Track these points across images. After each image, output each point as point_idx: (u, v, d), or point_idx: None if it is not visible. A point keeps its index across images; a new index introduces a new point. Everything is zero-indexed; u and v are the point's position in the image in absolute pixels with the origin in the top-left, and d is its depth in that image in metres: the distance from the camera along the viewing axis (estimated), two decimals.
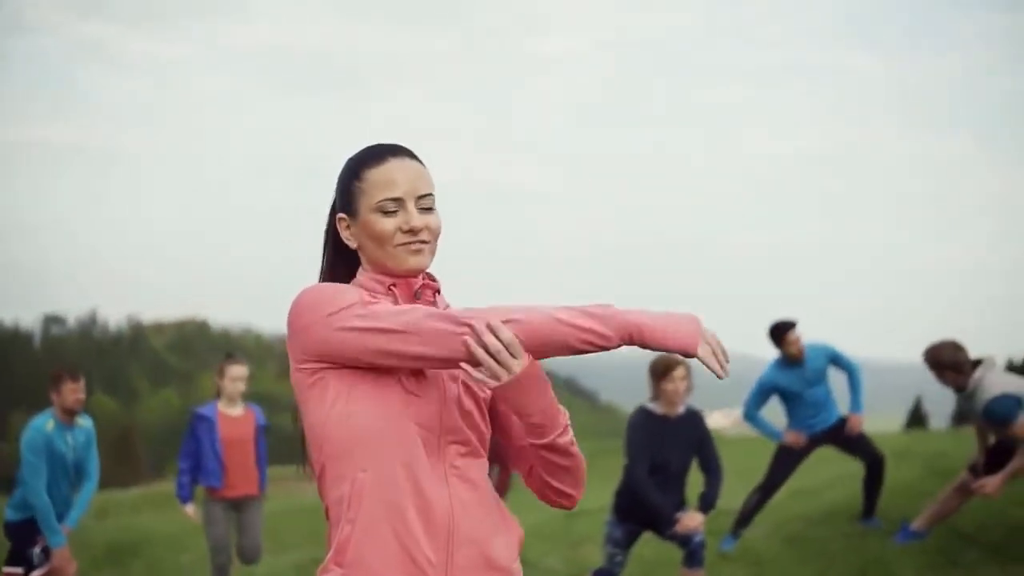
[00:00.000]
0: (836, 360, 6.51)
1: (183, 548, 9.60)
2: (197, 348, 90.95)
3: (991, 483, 5.34)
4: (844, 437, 6.48)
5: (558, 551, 6.87)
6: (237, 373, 6.13)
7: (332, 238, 1.88)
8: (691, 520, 4.82)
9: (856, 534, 6.43)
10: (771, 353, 6.55)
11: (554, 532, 7.68)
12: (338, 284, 1.77)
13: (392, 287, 1.78)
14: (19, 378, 61.00)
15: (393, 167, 1.77)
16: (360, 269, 1.84)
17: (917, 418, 41.52)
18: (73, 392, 5.21)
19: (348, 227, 1.82)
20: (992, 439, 5.70)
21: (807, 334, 6.47)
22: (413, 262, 1.76)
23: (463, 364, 1.64)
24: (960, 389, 5.45)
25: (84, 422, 5.42)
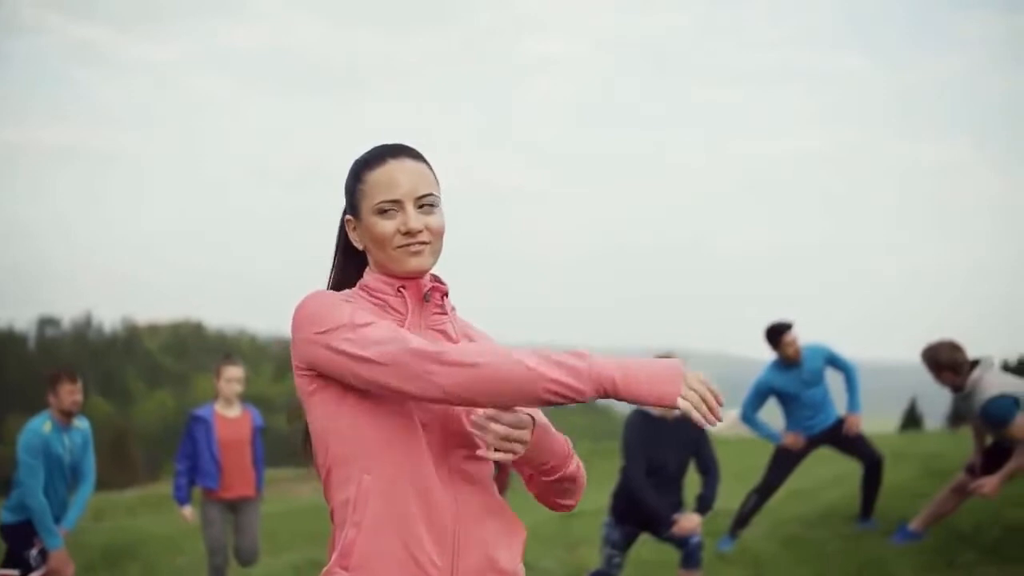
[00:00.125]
0: (833, 361, 6.51)
1: (179, 550, 9.58)
2: (192, 350, 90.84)
3: (989, 483, 5.35)
4: (842, 438, 6.49)
5: (555, 553, 6.87)
6: (233, 374, 6.12)
7: (343, 239, 1.88)
8: (688, 521, 4.82)
9: (853, 535, 6.44)
10: (768, 355, 6.56)
11: (552, 534, 7.68)
12: (333, 296, 1.75)
13: (401, 289, 1.78)
14: (13, 380, 60.88)
15: (391, 168, 1.76)
16: (367, 269, 1.84)
17: (912, 419, 41.61)
18: (71, 394, 5.20)
19: (355, 229, 1.82)
20: (989, 440, 5.71)
21: (803, 336, 6.48)
22: (414, 263, 1.76)
23: (480, 447, 1.67)
24: (958, 389, 5.45)
25: (81, 424, 5.41)
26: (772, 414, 6.66)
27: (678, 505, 4.98)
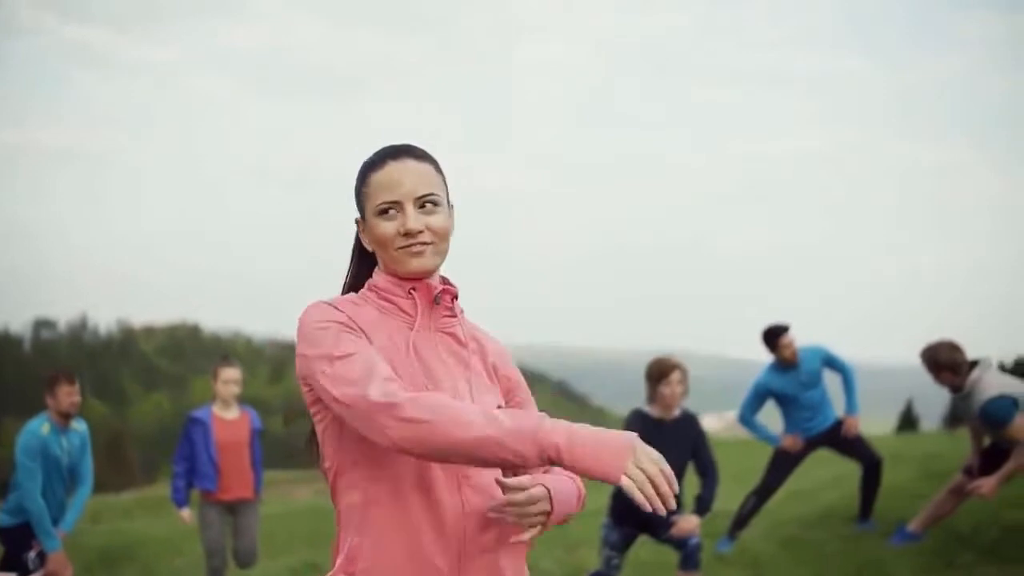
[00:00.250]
0: (830, 362, 6.50)
1: (177, 552, 9.57)
2: (188, 352, 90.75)
3: (987, 484, 5.35)
4: (841, 440, 6.48)
5: (555, 553, 6.86)
6: (230, 376, 6.11)
7: (358, 241, 1.88)
8: (687, 523, 4.82)
9: (852, 536, 6.44)
10: (766, 357, 6.55)
11: (550, 535, 7.64)
12: (324, 313, 1.72)
13: (412, 291, 1.78)
14: (9, 383, 60.74)
15: (391, 169, 1.76)
16: (376, 269, 1.84)
17: (908, 421, 41.66)
18: (68, 395, 5.19)
19: (363, 231, 1.83)
20: (987, 441, 5.71)
21: (801, 337, 6.47)
22: (415, 264, 1.75)
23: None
24: (956, 390, 5.45)
25: (79, 426, 5.40)
26: (771, 416, 6.66)
27: (677, 506, 4.97)
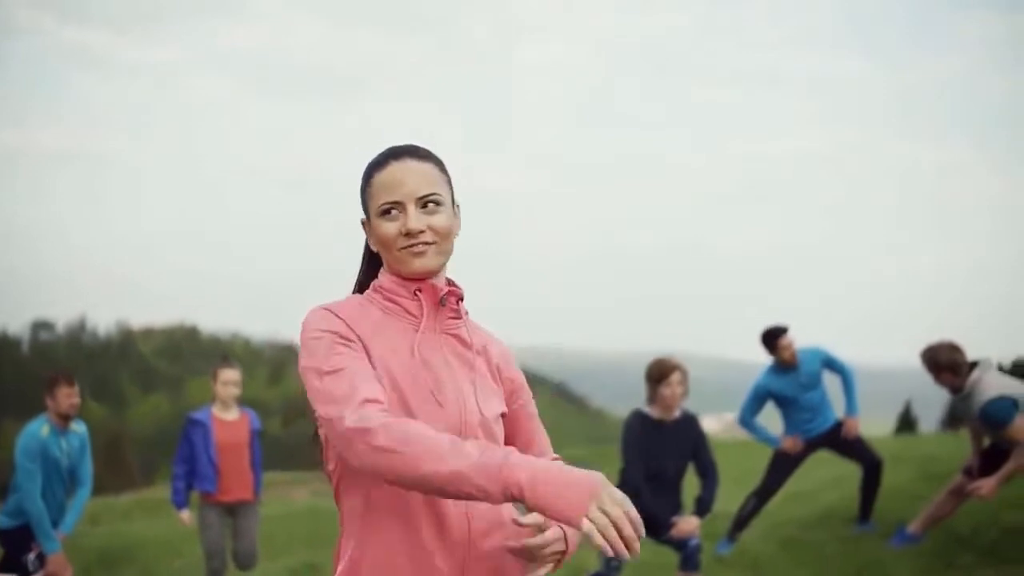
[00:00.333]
0: (829, 363, 6.49)
1: (176, 554, 9.56)
2: (186, 354, 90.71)
3: (986, 485, 5.35)
4: (841, 441, 6.47)
5: None
6: (229, 377, 6.10)
7: (368, 243, 1.89)
8: (687, 524, 4.82)
9: (851, 537, 6.44)
10: (766, 358, 6.55)
11: None
12: (321, 321, 1.72)
13: (418, 292, 1.78)
14: (7, 384, 60.67)
15: (393, 170, 1.76)
16: (382, 270, 1.84)
17: (907, 422, 41.66)
18: (68, 397, 5.19)
19: (369, 232, 1.83)
20: (987, 442, 5.72)
21: (800, 339, 6.47)
22: (417, 264, 1.75)
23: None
24: (956, 391, 5.46)
25: (78, 427, 5.40)
26: (771, 418, 6.65)
27: (677, 508, 4.97)
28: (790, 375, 6.42)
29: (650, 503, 4.79)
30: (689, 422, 5.01)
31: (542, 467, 1.46)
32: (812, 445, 6.54)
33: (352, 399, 1.58)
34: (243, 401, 6.28)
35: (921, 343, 5.60)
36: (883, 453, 6.86)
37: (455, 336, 1.81)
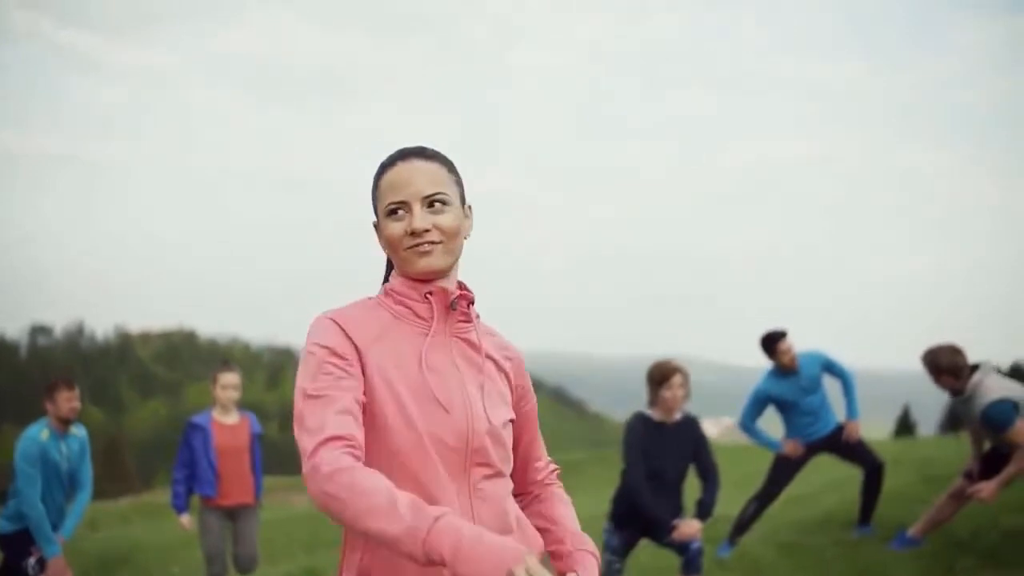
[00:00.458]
0: (829, 367, 6.49)
1: (174, 558, 9.54)
2: (185, 358, 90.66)
3: (987, 488, 5.36)
4: (842, 445, 6.47)
5: None
6: (229, 381, 6.10)
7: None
8: (688, 527, 4.81)
9: (851, 541, 6.43)
10: (756, 362, 6.55)
11: None
12: (317, 333, 1.72)
13: (428, 295, 1.77)
14: (5, 389, 60.59)
15: (399, 170, 1.76)
16: (392, 273, 1.84)
17: (906, 426, 41.70)
18: (68, 400, 5.19)
19: (379, 235, 1.82)
20: (987, 445, 5.72)
21: (800, 343, 6.47)
22: (423, 264, 1.74)
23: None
24: (957, 393, 5.46)
25: (78, 431, 5.39)
26: (772, 422, 6.65)
27: (678, 510, 4.97)
28: (790, 379, 6.42)
29: (652, 505, 4.79)
30: (690, 424, 5.01)
31: (468, 537, 1.47)
32: (813, 449, 6.53)
33: (319, 434, 1.59)
34: (241, 405, 6.27)
35: (920, 346, 5.61)
36: (882, 457, 6.87)
37: (465, 340, 1.80)
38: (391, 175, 1.76)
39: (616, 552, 5.04)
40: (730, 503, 6.93)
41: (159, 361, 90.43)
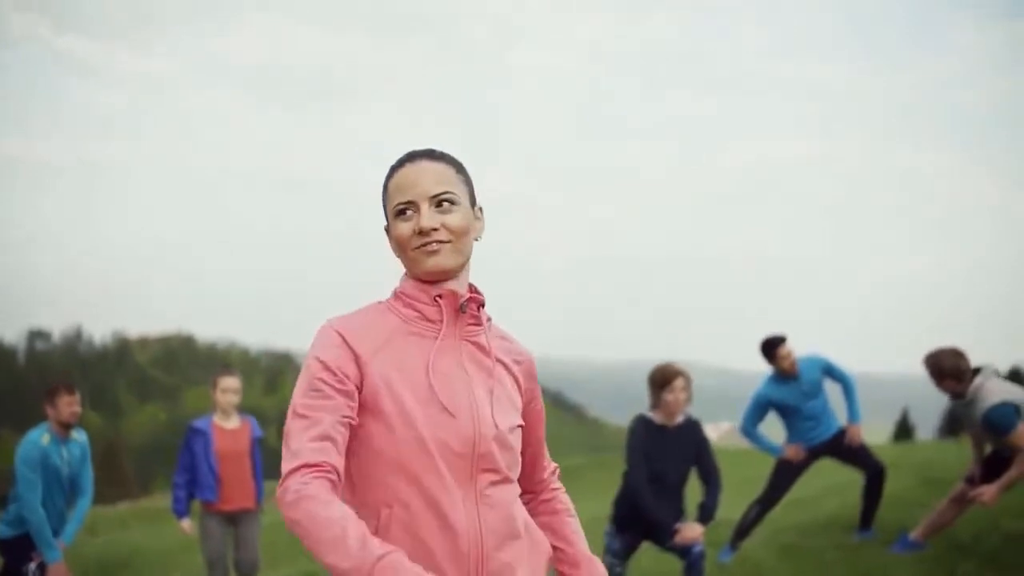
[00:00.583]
0: (830, 371, 6.48)
1: (174, 563, 9.54)
2: (183, 363, 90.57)
3: (988, 492, 5.36)
4: (844, 448, 6.46)
5: None
6: (229, 385, 6.10)
7: None
8: (690, 531, 4.81)
9: (852, 545, 6.43)
10: (756, 366, 6.55)
11: None
12: (318, 345, 1.73)
13: (438, 298, 1.77)
14: (3, 394, 60.48)
15: (407, 171, 1.76)
16: (403, 275, 1.83)
17: (904, 430, 41.71)
18: (69, 405, 5.18)
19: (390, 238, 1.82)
20: (988, 449, 5.72)
21: (800, 347, 6.47)
22: (430, 263, 1.74)
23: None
24: (958, 397, 5.46)
25: (78, 436, 5.39)
26: (773, 426, 6.65)
27: (680, 514, 4.97)
28: (791, 384, 6.41)
29: (654, 508, 4.78)
30: (692, 428, 5.01)
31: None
32: (815, 453, 6.52)
33: (293, 460, 1.62)
34: (240, 410, 6.27)
35: (919, 349, 5.61)
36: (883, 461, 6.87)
37: (475, 343, 1.80)
38: (399, 177, 1.77)
39: (618, 555, 5.03)
40: (729, 507, 6.93)
41: (157, 366, 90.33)
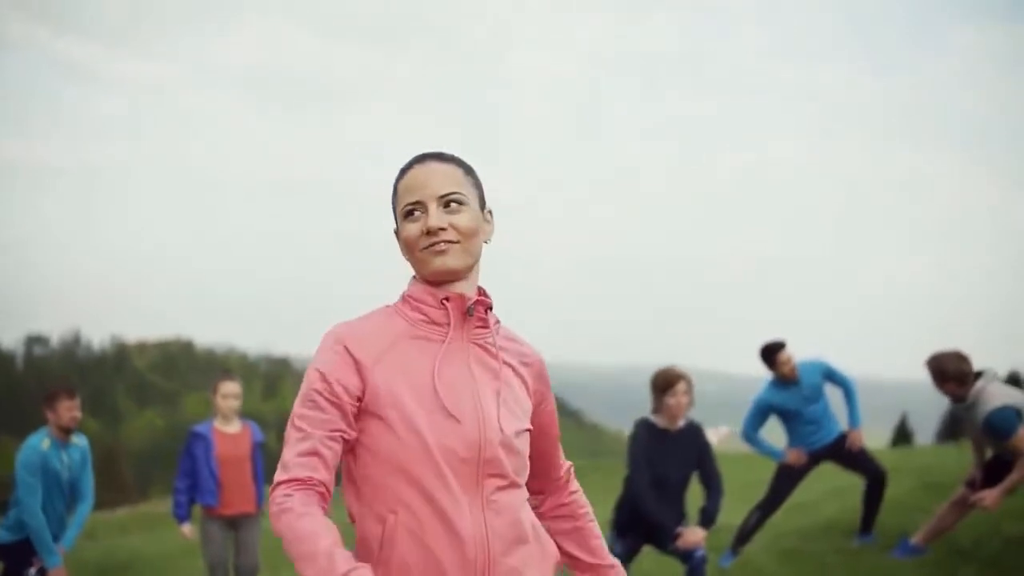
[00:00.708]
0: (830, 376, 6.47)
1: (174, 568, 9.52)
2: (181, 368, 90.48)
3: (989, 496, 5.35)
4: (845, 453, 6.45)
5: None
6: (230, 390, 6.10)
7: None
8: (692, 535, 4.81)
9: (852, 549, 6.43)
10: (757, 371, 6.54)
11: None
12: (321, 352, 1.74)
13: (445, 301, 1.76)
14: (1, 400, 60.39)
15: (415, 172, 1.77)
16: (411, 278, 1.83)
17: (903, 434, 41.70)
18: (69, 410, 5.18)
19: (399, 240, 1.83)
20: (989, 453, 5.72)
21: (800, 352, 6.47)
22: (438, 263, 1.73)
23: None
24: (959, 400, 5.46)
25: (79, 440, 5.38)
26: (773, 430, 6.64)
27: (681, 518, 4.97)
28: (792, 389, 6.41)
29: (656, 511, 4.78)
30: (694, 432, 5.01)
31: None
32: (816, 457, 6.51)
33: (282, 473, 1.66)
34: (240, 415, 6.26)
35: (918, 354, 5.60)
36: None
37: (482, 346, 1.79)
38: (408, 178, 1.78)
39: (619, 559, 5.02)
40: (729, 511, 6.92)
41: (156, 371, 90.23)
